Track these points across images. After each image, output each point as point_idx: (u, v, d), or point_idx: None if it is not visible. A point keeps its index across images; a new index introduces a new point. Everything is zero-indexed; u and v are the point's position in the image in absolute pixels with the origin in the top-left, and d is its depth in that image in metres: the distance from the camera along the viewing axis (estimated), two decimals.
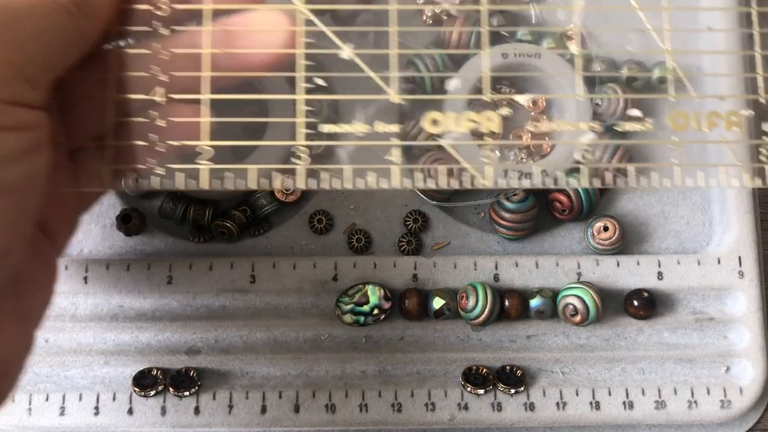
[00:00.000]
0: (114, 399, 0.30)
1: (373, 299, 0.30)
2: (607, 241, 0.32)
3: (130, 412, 0.30)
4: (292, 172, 0.24)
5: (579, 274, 0.32)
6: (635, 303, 0.31)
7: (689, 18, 0.28)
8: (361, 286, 0.31)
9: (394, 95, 0.25)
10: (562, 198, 0.32)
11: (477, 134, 0.26)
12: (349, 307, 0.31)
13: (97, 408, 0.30)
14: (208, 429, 0.30)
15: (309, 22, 0.24)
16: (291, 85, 0.31)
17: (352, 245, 0.33)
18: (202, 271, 0.31)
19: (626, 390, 0.31)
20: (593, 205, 0.32)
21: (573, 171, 0.31)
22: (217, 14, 0.24)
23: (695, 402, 0.31)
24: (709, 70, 0.32)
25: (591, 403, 0.31)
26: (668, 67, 0.26)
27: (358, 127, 0.25)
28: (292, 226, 0.33)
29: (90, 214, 0.32)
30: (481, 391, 0.30)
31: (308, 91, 0.24)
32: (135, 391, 0.30)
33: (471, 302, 0.30)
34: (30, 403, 0.30)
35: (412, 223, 0.33)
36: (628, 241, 0.33)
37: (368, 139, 0.25)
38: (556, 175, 0.26)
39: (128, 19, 0.24)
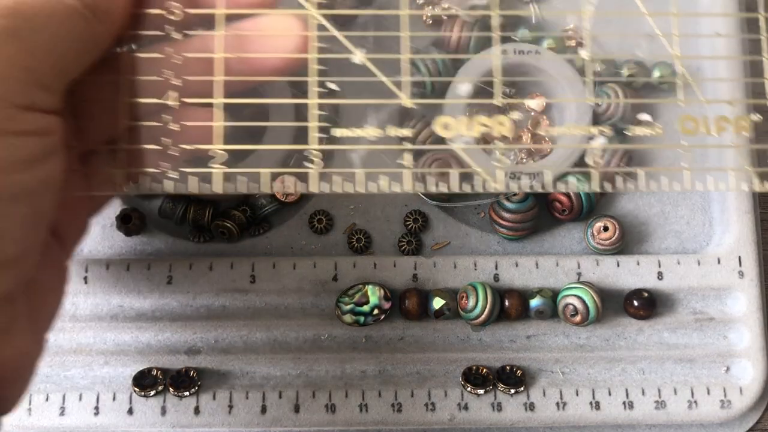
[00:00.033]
0: (114, 399, 0.30)
1: (373, 299, 0.30)
2: (607, 241, 0.32)
3: (130, 412, 0.30)
4: (304, 176, 0.24)
5: (579, 274, 0.32)
6: (635, 303, 0.31)
7: (690, 22, 0.28)
8: (361, 286, 0.31)
9: (406, 99, 0.25)
10: (562, 198, 0.32)
11: (489, 138, 0.26)
12: (349, 307, 0.31)
13: (97, 408, 0.30)
14: (208, 429, 0.30)
15: (320, 27, 0.24)
16: (293, 89, 0.31)
17: (352, 245, 0.33)
18: (202, 271, 0.31)
19: (626, 390, 0.31)
20: (593, 205, 0.32)
21: (576, 166, 0.31)
22: (230, 18, 0.24)
23: (695, 402, 0.31)
24: (710, 74, 0.32)
25: (591, 403, 0.31)
26: (678, 72, 0.26)
27: (370, 131, 0.25)
28: (292, 226, 0.33)
29: None
30: (481, 391, 0.30)
31: (320, 96, 0.24)
32: (135, 391, 0.30)
33: (471, 302, 0.30)
34: (30, 403, 0.30)
35: (412, 223, 0.33)
36: (628, 241, 0.33)
37: (375, 143, 0.25)
38: (567, 180, 0.26)
39: (141, 24, 0.24)
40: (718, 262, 0.32)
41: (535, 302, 0.31)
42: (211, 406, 0.30)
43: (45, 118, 0.20)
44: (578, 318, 0.31)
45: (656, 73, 0.32)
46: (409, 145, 0.25)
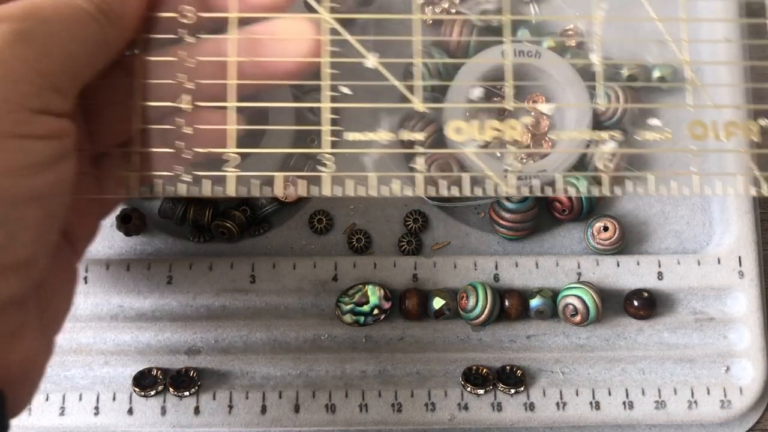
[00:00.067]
0: (114, 399, 0.30)
1: (373, 299, 0.30)
2: (607, 241, 0.32)
3: (130, 412, 0.30)
4: (317, 180, 0.24)
5: (579, 274, 0.32)
6: (635, 303, 0.31)
7: (692, 28, 0.28)
8: (361, 286, 0.31)
9: (419, 104, 0.25)
10: (562, 198, 0.32)
11: (502, 143, 0.26)
12: (349, 307, 0.31)
13: (97, 408, 0.30)
14: (208, 429, 0.30)
15: (333, 31, 0.25)
16: (295, 90, 0.31)
17: (352, 245, 0.33)
18: (202, 271, 0.31)
19: (626, 390, 0.31)
20: (593, 205, 0.32)
21: (574, 171, 0.31)
22: (243, 22, 0.24)
23: (695, 402, 0.31)
24: (710, 79, 0.32)
25: (591, 403, 0.31)
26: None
27: (382, 134, 0.25)
28: (292, 226, 0.33)
29: None
30: (481, 391, 0.30)
31: (333, 99, 0.24)
32: (135, 391, 0.30)
33: (471, 302, 0.30)
34: (30, 404, 0.30)
35: (412, 223, 0.33)
36: (628, 241, 0.33)
37: (387, 147, 0.25)
38: (579, 184, 0.27)
39: (153, 27, 0.24)
40: (718, 262, 0.32)
41: (535, 302, 0.31)
42: (211, 406, 0.30)
43: (58, 122, 0.20)
44: (578, 318, 0.31)
45: (656, 73, 0.32)
46: (420, 149, 0.25)
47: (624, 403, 0.31)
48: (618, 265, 0.32)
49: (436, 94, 0.31)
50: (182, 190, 0.24)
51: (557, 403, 0.30)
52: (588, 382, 0.31)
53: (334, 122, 0.25)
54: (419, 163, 0.25)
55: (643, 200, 0.33)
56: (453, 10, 0.32)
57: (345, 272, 0.31)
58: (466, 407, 0.30)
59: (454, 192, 0.25)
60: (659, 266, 0.32)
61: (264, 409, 0.30)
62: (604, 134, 0.27)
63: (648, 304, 0.31)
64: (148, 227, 0.33)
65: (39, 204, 0.19)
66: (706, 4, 0.31)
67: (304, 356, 0.31)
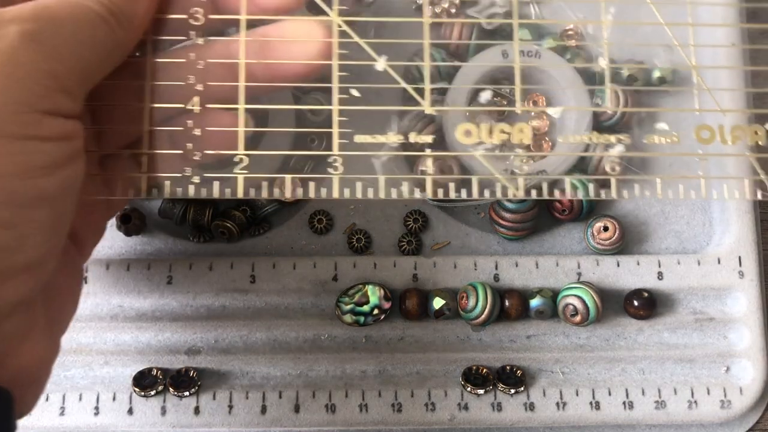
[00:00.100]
0: (114, 399, 0.30)
1: (373, 299, 0.30)
2: (607, 241, 0.32)
3: (130, 412, 0.30)
4: (328, 182, 0.24)
5: (579, 274, 0.32)
6: (635, 303, 0.31)
7: (692, 31, 0.28)
8: (361, 286, 0.31)
9: (428, 106, 0.25)
10: (562, 198, 0.32)
11: (509, 145, 0.26)
12: (349, 307, 0.31)
13: (97, 408, 0.30)
14: (208, 429, 0.30)
15: (342, 34, 0.25)
16: (295, 92, 0.31)
17: (352, 245, 0.33)
18: (202, 271, 0.31)
19: (626, 390, 0.31)
20: (593, 205, 0.32)
21: (575, 170, 0.31)
22: (252, 24, 0.24)
23: (695, 402, 0.31)
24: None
25: (591, 403, 0.31)
26: (694, 81, 0.26)
27: (391, 137, 0.25)
28: (292, 226, 0.33)
29: None
30: (481, 391, 0.30)
31: (342, 102, 0.25)
32: (135, 391, 0.30)
33: (471, 302, 0.30)
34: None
35: (412, 223, 0.33)
36: (628, 241, 0.33)
37: (397, 149, 0.25)
38: (589, 186, 0.27)
39: (163, 29, 0.24)
40: (718, 262, 0.32)
41: (535, 302, 0.31)
42: (211, 406, 0.30)
43: (67, 123, 0.20)
44: (578, 318, 0.31)
45: (656, 74, 0.32)
46: (429, 151, 0.25)
47: (624, 403, 0.31)
48: (618, 265, 0.32)
49: (437, 95, 0.31)
50: (191, 191, 0.24)
51: (557, 403, 0.30)
52: (588, 382, 0.31)
53: (342, 124, 0.25)
54: (429, 165, 0.25)
55: (643, 200, 0.33)
56: (453, 10, 0.32)
57: (345, 272, 0.31)
58: (466, 407, 0.30)
59: (463, 195, 0.25)
60: (659, 266, 0.32)
61: (264, 409, 0.30)
62: (612, 137, 0.27)
63: (648, 304, 0.31)
64: (148, 227, 0.33)
65: (48, 206, 0.19)
66: (707, 8, 0.31)
67: (304, 356, 0.31)
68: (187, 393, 0.30)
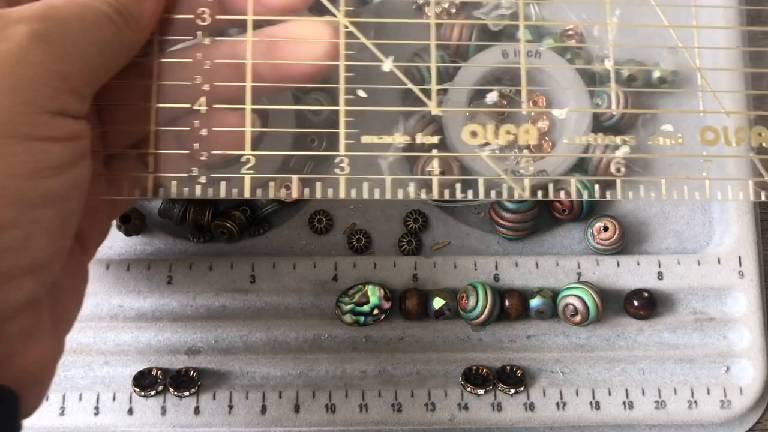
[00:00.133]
0: (114, 399, 0.30)
1: (373, 299, 0.30)
2: (607, 241, 0.32)
3: (130, 412, 0.30)
4: (334, 183, 0.24)
5: (579, 274, 0.32)
6: (635, 303, 0.31)
7: (691, 33, 0.28)
8: (361, 286, 0.31)
9: (434, 107, 0.25)
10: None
11: (517, 147, 0.27)
12: (349, 307, 0.31)
13: (97, 408, 0.30)
14: (208, 429, 0.30)
15: (348, 34, 0.25)
16: (295, 92, 0.31)
17: (352, 245, 0.33)
18: (202, 271, 0.31)
19: (626, 390, 0.31)
20: (593, 205, 0.32)
21: (575, 170, 0.31)
22: (258, 24, 0.24)
23: (695, 402, 0.31)
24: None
25: (591, 403, 0.31)
26: (699, 83, 0.26)
27: (397, 138, 0.25)
28: (292, 226, 0.33)
29: None
30: (481, 391, 0.30)
31: (348, 102, 0.25)
32: (135, 391, 0.30)
33: (471, 302, 0.30)
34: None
35: (412, 223, 0.33)
36: (628, 241, 0.33)
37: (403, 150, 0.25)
38: (595, 189, 0.27)
39: (169, 29, 0.24)
40: (718, 262, 0.32)
41: (535, 302, 0.31)
42: (211, 406, 0.30)
43: (75, 124, 0.20)
44: (578, 318, 0.31)
45: (656, 74, 0.32)
46: (436, 152, 0.25)
47: (624, 403, 0.31)
48: (618, 265, 0.32)
49: (441, 96, 0.31)
50: (198, 191, 0.24)
51: (557, 403, 0.30)
52: (588, 382, 0.31)
53: (348, 125, 0.25)
54: (435, 166, 0.25)
55: (643, 200, 0.33)
56: (453, 10, 0.32)
57: (345, 272, 0.31)
58: (466, 407, 0.30)
59: (470, 195, 0.26)
60: (659, 266, 0.32)
61: (264, 409, 0.30)
62: (618, 139, 0.27)
63: (648, 304, 0.31)
64: (148, 227, 0.33)
65: (56, 206, 0.19)
66: (707, 10, 0.31)
67: (304, 356, 0.31)
68: (187, 393, 0.30)
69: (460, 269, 0.32)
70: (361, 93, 0.25)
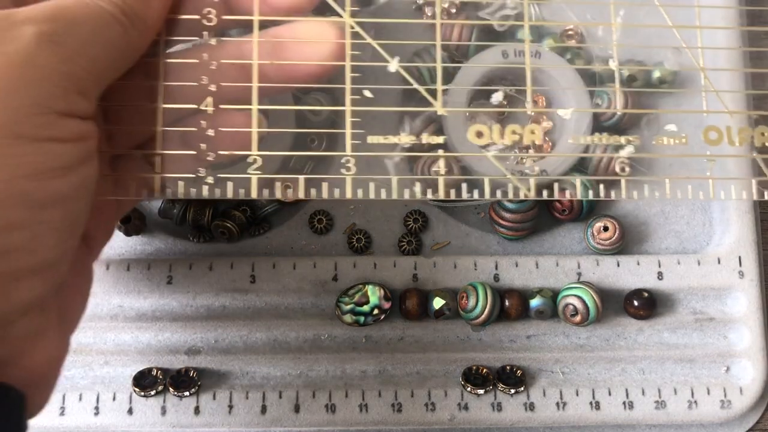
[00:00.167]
0: (114, 399, 0.30)
1: (373, 299, 0.30)
2: (607, 241, 0.32)
3: (130, 412, 0.30)
4: (340, 183, 0.24)
5: (579, 274, 0.32)
6: (635, 303, 0.31)
7: (694, 33, 0.28)
8: (361, 286, 0.31)
9: (440, 107, 0.25)
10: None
11: (522, 147, 0.27)
12: (349, 307, 0.31)
13: (97, 408, 0.30)
14: (208, 429, 0.30)
15: (354, 35, 0.25)
16: (295, 92, 0.31)
17: (352, 245, 0.33)
18: (202, 271, 0.31)
19: (626, 390, 0.31)
20: (593, 205, 0.32)
21: (574, 170, 0.31)
22: (264, 25, 0.24)
23: (695, 402, 0.31)
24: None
25: (591, 403, 0.31)
26: (702, 84, 0.27)
27: (403, 138, 0.25)
28: (292, 226, 0.33)
29: None
30: (481, 391, 0.30)
31: (354, 103, 0.25)
32: (135, 391, 0.30)
33: (471, 302, 0.30)
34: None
35: (412, 223, 0.33)
36: (628, 241, 0.33)
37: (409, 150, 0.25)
38: (599, 188, 0.27)
39: (176, 29, 0.24)
40: (718, 262, 0.32)
41: (535, 302, 0.31)
42: (211, 406, 0.30)
43: (83, 124, 0.20)
44: (578, 318, 0.31)
45: (656, 74, 0.32)
46: (441, 152, 0.25)
47: (624, 403, 0.31)
48: (618, 265, 0.32)
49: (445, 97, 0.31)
50: (205, 192, 0.24)
51: (557, 403, 0.30)
52: (588, 382, 0.31)
53: (354, 125, 0.25)
54: (441, 166, 0.25)
55: (643, 200, 0.33)
56: (453, 10, 0.32)
57: (345, 272, 0.31)
58: (466, 407, 0.30)
59: (475, 195, 0.26)
60: (659, 266, 0.32)
61: (264, 409, 0.30)
62: (622, 139, 0.27)
63: (648, 304, 0.31)
64: (148, 227, 0.33)
65: (63, 207, 0.19)
66: (708, 11, 0.31)
67: (304, 356, 0.31)
68: (187, 393, 0.30)
69: (460, 269, 0.32)
70: (367, 93, 0.25)
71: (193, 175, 0.24)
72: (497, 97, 0.29)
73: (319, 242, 0.33)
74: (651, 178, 0.26)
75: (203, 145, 0.24)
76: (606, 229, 0.32)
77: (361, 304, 0.30)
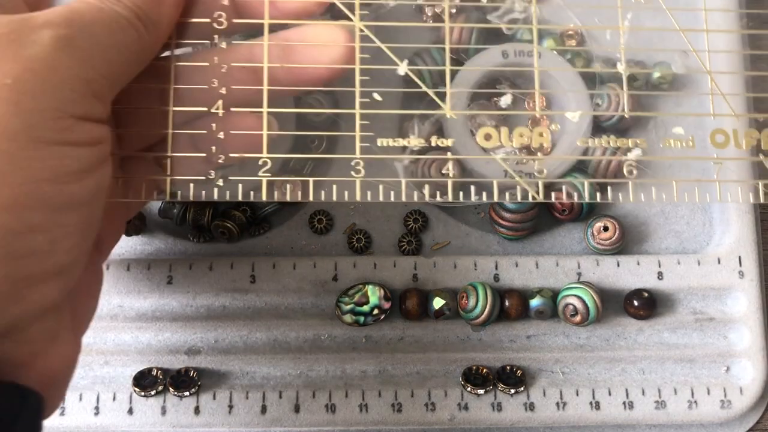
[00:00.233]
0: (114, 399, 0.30)
1: (373, 299, 0.30)
2: (607, 241, 0.32)
3: (130, 412, 0.30)
4: (351, 185, 0.24)
5: (579, 274, 0.32)
6: (635, 303, 0.31)
7: (697, 35, 0.28)
8: (361, 286, 0.31)
9: (449, 110, 0.25)
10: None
11: (527, 149, 0.27)
12: (349, 307, 0.31)
13: (97, 408, 0.30)
14: (208, 429, 0.30)
15: (364, 38, 0.25)
16: (296, 97, 0.31)
17: (352, 245, 0.33)
18: (202, 271, 0.31)
19: (626, 390, 0.31)
20: (593, 205, 0.32)
21: (574, 170, 0.31)
22: (273, 28, 0.24)
23: (695, 402, 0.31)
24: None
25: (591, 403, 0.31)
26: (710, 86, 0.27)
27: (413, 140, 0.25)
28: (292, 226, 0.33)
29: None
30: (481, 391, 0.30)
31: (363, 106, 0.25)
32: (135, 391, 0.30)
33: (471, 302, 0.30)
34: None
35: (412, 223, 0.33)
36: (628, 241, 0.33)
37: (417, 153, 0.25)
38: (607, 191, 0.27)
39: (187, 33, 0.24)
40: (718, 262, 0.32)
41: (535, 302, 0.31)
42: (211, 406, 0.30)
43: (98, 128, 0.20)
44: (578, 318, 0.31)
45: (656, 74, 0.32)
46: (450, 155, 0.25)
47: (624, 403, 0.31)
48: (618, 265, 0.32)
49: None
50: (216, 194, 0.24)
51: (557, 403, 0.30)
52: (588, 382, 0.31)
53: (364, 128, 0.25)
54: (450, 168, 0.25)
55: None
56: (453, 11, 0.32)
57: (345, 272, 0.31)
58: (466, 407, 0.30)
59: (484, 198, 0.26)
60: (659, 266, 0.32)
61: (264, 409, 0.30)
62: (630, 141, 0.27)
63: (648, 304, 0.31)
64: (148, 227, 0.33)
65: (80, 210, 0.19)
66: (712, 14, 0.31)
67: (304, 356, 0.31)
68: (187, 393, 0.30)
69: (460, 269, 0.32)
70: (377, 96, 0.25)
71: (204, 178, 0.24)
72: (506, 100, 0.29)
73: (319, 242, 0.33)
74: (659, 181, 0.26)
75: (213, 148, 0.24)
76: (606, 229, 0.32)
77: (361, 304, 0.30)
